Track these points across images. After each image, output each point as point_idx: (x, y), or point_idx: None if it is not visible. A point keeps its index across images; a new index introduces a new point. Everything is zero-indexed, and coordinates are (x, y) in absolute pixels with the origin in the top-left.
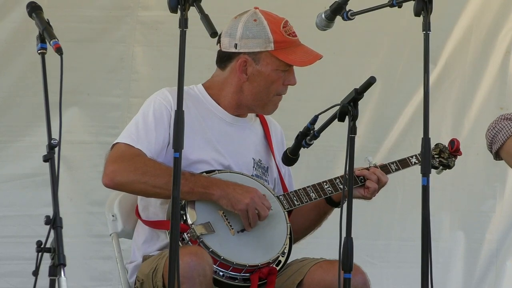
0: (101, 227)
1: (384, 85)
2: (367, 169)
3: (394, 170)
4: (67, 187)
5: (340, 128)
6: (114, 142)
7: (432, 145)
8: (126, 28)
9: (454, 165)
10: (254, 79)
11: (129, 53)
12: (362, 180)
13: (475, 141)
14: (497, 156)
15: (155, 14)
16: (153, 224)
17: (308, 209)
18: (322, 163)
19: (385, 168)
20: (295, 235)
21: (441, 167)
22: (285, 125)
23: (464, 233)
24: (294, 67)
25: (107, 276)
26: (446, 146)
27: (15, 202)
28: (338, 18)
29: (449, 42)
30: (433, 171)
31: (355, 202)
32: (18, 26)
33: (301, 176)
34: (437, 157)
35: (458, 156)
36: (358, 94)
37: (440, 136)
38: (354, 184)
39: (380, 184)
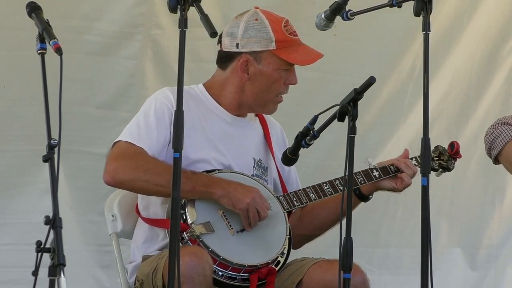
0: (101, 236)
1: (392, 92)
2: (393, 160)
3: (393, 172)
4: (68, 196)
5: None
6: (116, 140)
7: (432, 148)
8: (138, 46)
9: (453, 167)
10: (256, 78)
11: (140, 70)
12: (395, 171)
13: (477, 150)
14: (496, 161)
15: (167, 32)
16: (153, 222)
17: (335, 204)
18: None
19: (385, 170)
20: (317, 231)
21: (440, 169)
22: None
23: (462, 239)
24: (295, 67)
25: (105, 285)
26: (446, 148)
27: (16, 209)
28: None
29: (456, 51)
30: (432, 173)
31: (355, 209)
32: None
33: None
34: (437, 160)
35: (458, 160)
36: (357, 94)
37: (442, 144)
38: (385, 175)
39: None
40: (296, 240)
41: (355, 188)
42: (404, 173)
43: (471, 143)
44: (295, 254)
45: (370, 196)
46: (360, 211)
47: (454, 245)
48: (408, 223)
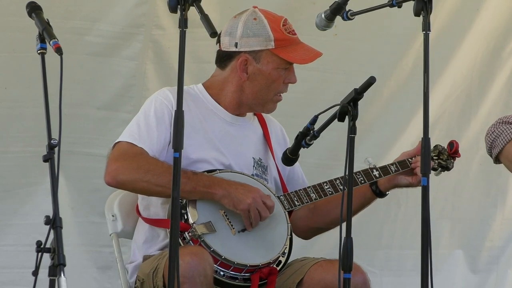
0: (101, 237)
1: (393, 92)
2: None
3: (393, 172)
4: (68, 197)
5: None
6: (116, 141)
7: (431, 147)
8: (139, 46)
9: (453, 167)
10: (255, 77)
11: (141, 71)
12: (395, 171)
13: (479, 151)
14: (497, 160)
15: (168, 32)
16: (154, 222)
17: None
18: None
19: (385, 170)
20: (332, 225)
21: (440, 169)
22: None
23: (464, 241)
24: (294, 66)
25: (106, 285)
26: (445, 147)
27: (17, 211)
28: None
29: (458, 52)
30: (432, 172)
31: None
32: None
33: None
34: (436, 159)
35: (460, 161)
36: (357, 94)
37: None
38: (385, 174)
39: None
40: (309, 232)
41: (373, 184)
42: (418, 168)
43: (473, 145)
44: (296, 254)
45: (387, 193)
46: (361, 212)
47: (456, 247)
48: (410, 225)
